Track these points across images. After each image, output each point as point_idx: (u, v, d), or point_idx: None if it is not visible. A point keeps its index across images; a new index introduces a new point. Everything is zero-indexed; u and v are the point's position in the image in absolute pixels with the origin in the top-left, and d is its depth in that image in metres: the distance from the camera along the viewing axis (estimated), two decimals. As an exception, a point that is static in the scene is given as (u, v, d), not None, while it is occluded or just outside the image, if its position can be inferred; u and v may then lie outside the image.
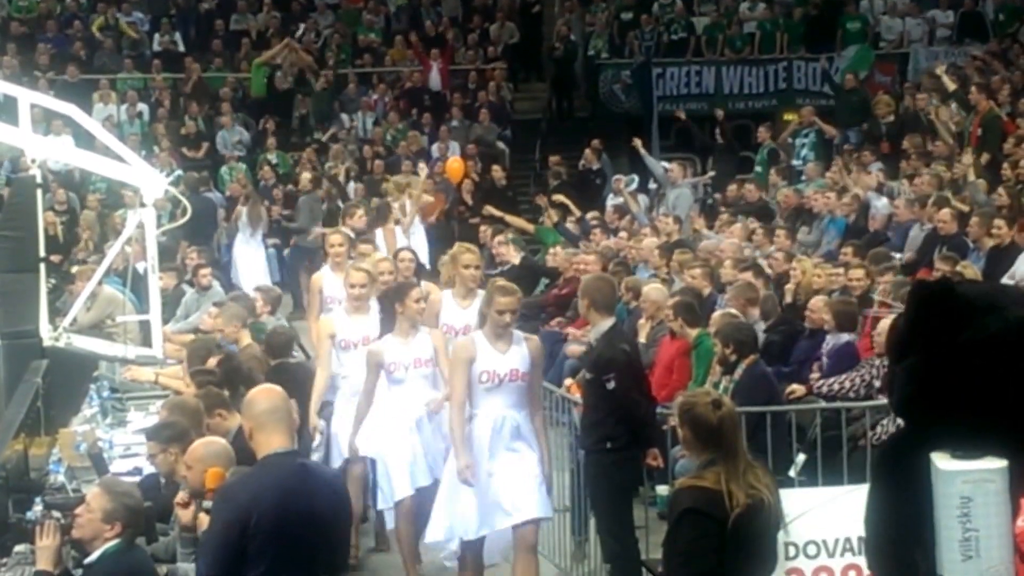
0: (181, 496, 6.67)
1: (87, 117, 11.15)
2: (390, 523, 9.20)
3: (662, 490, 9.84)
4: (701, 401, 5.65)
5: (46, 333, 10.04)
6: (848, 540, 8.00)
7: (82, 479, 8.16)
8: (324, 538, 5.61)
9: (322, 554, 5.61)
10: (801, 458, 9.23)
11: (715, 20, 24.76)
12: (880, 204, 15.75)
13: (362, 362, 9.11)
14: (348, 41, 25.94)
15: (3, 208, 11.82)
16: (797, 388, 10.37)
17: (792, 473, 9.12)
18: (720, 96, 23.91)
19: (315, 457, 9.02)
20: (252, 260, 19.38)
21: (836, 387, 10.16)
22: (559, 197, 19.16)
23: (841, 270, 12.38)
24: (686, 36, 24.65)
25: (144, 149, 19.49)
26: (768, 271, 12.92)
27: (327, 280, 11.12)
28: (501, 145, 23.77)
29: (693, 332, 10.89)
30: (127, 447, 9.22)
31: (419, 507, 8.83)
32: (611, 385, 8.17)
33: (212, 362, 9.31)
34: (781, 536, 6.34)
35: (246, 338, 10.51)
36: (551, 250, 16.62)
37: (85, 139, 13.71)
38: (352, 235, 13.15)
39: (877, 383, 9.86)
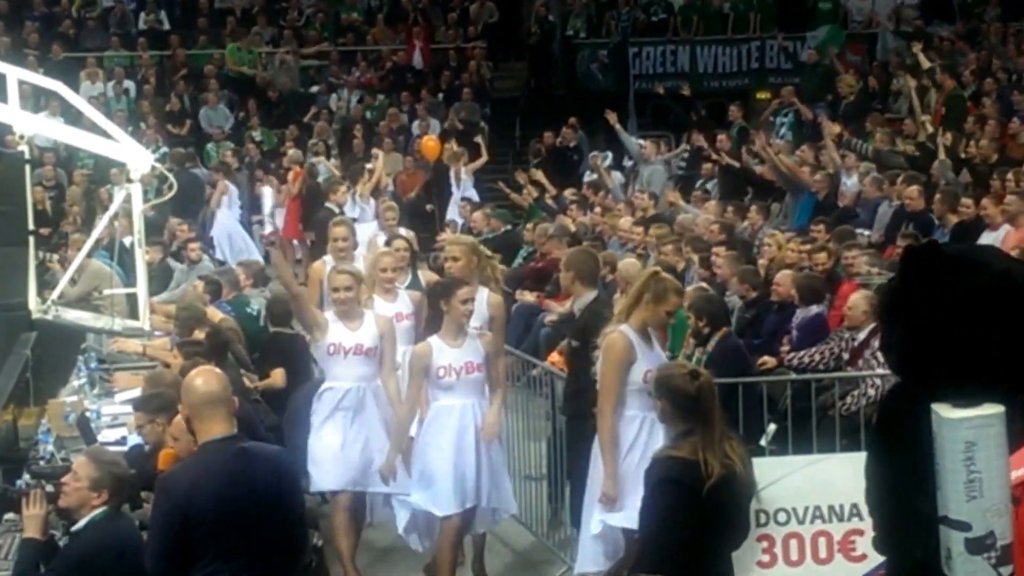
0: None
1: (74, 94, 11.27)
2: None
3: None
4: (678, 373, 5.74)
5: (35, 306, 10.10)
6: (818, 508, 8.12)
7: (70, 449, 8.17)
8: (272, 520, 5.56)
9: (274, 536, 5.58)
10: (772, 428, 9.26)
11: (690, 1, 25.02)
12: (850, 182, 15.99)
13: (351, 371, 8.41)
14: (331, 20, 26.11)
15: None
16: (768, 360, 10.47)
17: (763, 443, 9.11)
18: (695, 75, 24.17)
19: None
20: (235, 235, 19.59)
21: (806, 360, 10.31)
22: (535, 174, 19.35)
23: (811, 246, 12.57)
24: (666, 17, 24.93)
25: (131, 125, 19.65)
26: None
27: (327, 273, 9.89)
28: (481, 123, 24.05)
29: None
30: (114, 417, 9.28)
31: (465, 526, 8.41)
32: (597, 353, 8.02)
33: (199, 334, 9.43)
34: (753, 504, 6.45)
35: (216, 314, 10.53)
36: (527, 225, 16.82)
37: (72, 116, 13.87)
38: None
39: (846, 355, 10.01)
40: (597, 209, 16.97)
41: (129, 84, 23.68)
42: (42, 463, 7.82)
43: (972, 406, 3.55)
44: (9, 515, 6.92)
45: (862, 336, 10.01)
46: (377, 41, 25.45)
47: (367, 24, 26.05)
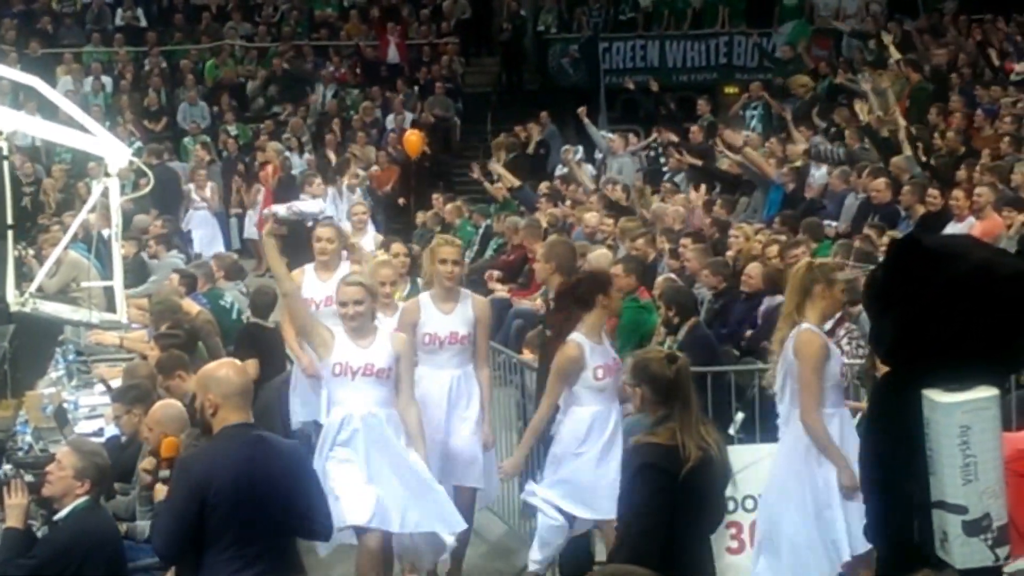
0: (149, 462, 6.83)
1: (51, 89, 11.28)
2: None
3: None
4: (655, 358, 5.79)
5: (12, 298, 10.01)
6: None
7: (48, 440, 8.31)
8: (286, 510, 5.62)
9: (287, 525, 5.67)
10: (740, 416, 9.22)
11: (659, -2, 25.28)
12: (817, 174, 16.15)
13: (359, 394, 7.46)
14: (305, 16, 26.19)
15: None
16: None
17: (731, 431, 8.99)
18: (664, 70, 24.37)
19: None
20: (208, 229, 19.68)
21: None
22: (494, 167, 19.33)
23: (783, 238, 12.70)
24: (635, 16, 25.10)
25: (108, 120, 19.74)
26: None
27: (309, 281, 9.14)
28: (454, 118, 24.21)
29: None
30: (92, 408, 9.40)
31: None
32: None
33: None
34: (728, 489, 6.43)
35: (192, 307, 10.59)
36: (497, 217, 16.92)
37: (50, 112, 13.92)
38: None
39: None
40: (568, 202, 17.09)
41: (106, 80, 23.75)
42: (20, 454, 7.86)
43: (964, 390, 3.66)
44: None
45: (829, 326, 10.10)
46: (351, 36, 25.52)
47: (341, 20, 26.13)
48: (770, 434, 8.80)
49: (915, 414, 3.73)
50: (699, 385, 8.70)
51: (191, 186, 19.96)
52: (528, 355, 10.29)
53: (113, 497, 7.30)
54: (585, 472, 7.67)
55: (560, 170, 19.96)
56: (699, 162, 17.80)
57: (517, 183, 17.77)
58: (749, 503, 8.16)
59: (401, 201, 21.39)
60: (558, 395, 7.72)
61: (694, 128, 19.44)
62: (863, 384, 8.01)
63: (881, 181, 14.08)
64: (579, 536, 8.06)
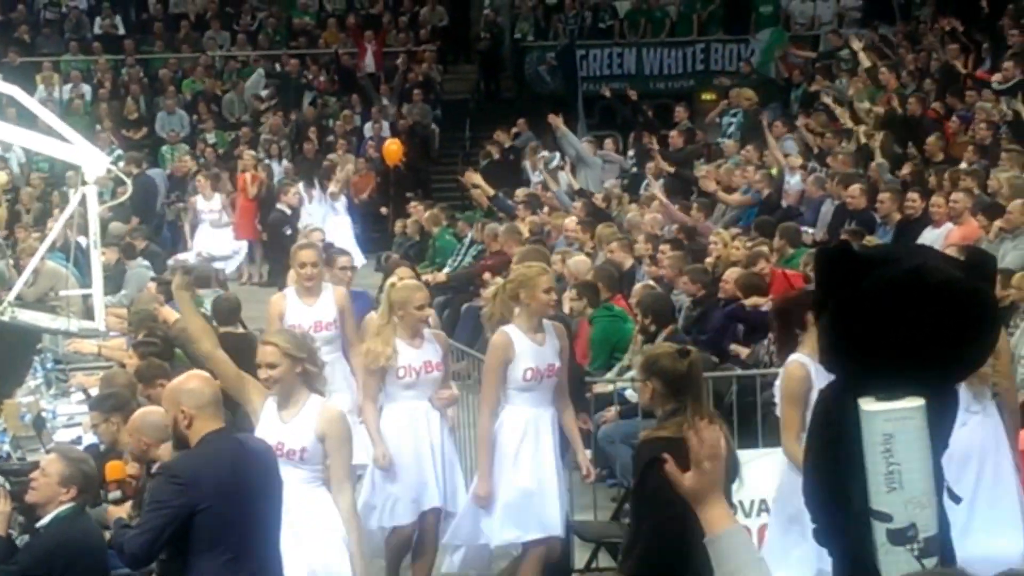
0: (133, 468, 6.87)
1: (29, 98, 11.26)
2: None
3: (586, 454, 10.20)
4: (665, 352, 5.78)
5: None
6: (763, 501, 8.18)
7: (27, 448, 8.31)
8: (266, 511, 5.73)
9: (269, 527, 5.76)
10: None
11: (635, 6, 25.31)
12: (794, 180, 16.22)
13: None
14: (283, 24, 26.22)
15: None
16: (740, 349, 10.73)
17: None
18: (641, 77, 24.51)
19: None
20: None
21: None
22: (472, 176, 19.34)
23: (764, 248, 12.75)
24: (612, 24, 25.21)
25: (87, 129, 19.68)
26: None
27: (293, 307, 9.14)
28: (432, 125, 24.26)
29: (590, 311, 11.14)
30: (70, 417, 9.41)
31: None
32: None
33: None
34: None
35: (170, 314, 10.35)
36: (475, 224, 16.95)
37: (29, 120, 13.90)
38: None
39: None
40: (546, 208, 17.11)
41: (85, 88, 23.73)
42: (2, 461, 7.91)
43: (893, 399, 3.66)
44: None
45: (805, 332, 10.15)
46: (329, 45, 25.57)
47: (319, 28, 26.17)
48: (749, 440, 8.90)
49: (853, 421, 3.73)
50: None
51: (197, 197, 19.61)
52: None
53: (99, 504, 7.25)
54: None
55: (536, 177, 20.00)
56: (671, 168, 17.85)
57: (491, 192, 17.80)
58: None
59: (383, 210, 21.38)
60: None
61: (673, 134, 19.50)
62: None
63: (856, 187, 14.15)
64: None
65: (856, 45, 19.37)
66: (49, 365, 10.21)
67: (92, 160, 10.12)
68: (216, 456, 5.62)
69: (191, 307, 7.39)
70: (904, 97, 16.99)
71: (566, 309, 11.45)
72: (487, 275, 14.40)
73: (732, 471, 5.66)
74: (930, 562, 3.64)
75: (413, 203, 19.67)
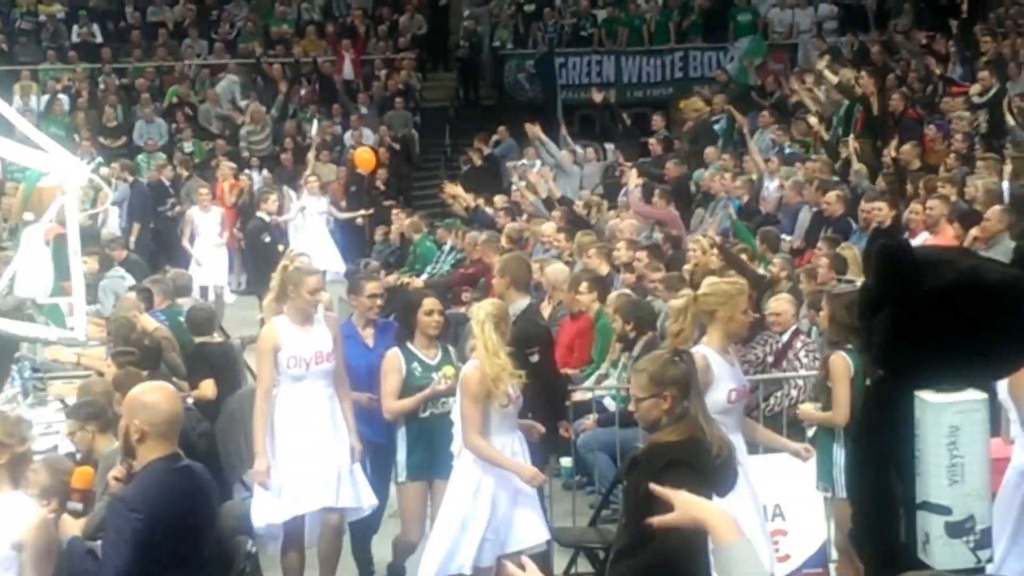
0: (119, 471, 6.97)
1: (7, 106, 11.24)
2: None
3: (565, 462, 10.15)
4: (665, 361, 5.67)
5: None
6: (778, 506, 8.33)
7: (5, 456, 8.39)
8: (210, 535, 5.73)
9: (212, 551, 5.74)
10: None
11: (612, 14, 25.37)
12: (772, 186, 16.30)
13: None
14: (261, 32, 26.22)
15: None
16: None
17: None
18: (620, 85, 24.59)
19: None
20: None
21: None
22: (453, 187, 19.36)
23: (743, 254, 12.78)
24: (591, 32, 25.29)
25: (64, 137, 19.68)
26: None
27: (289, 335, 8.17)
28: (413, 132, 24.29)
29: (597, 305, 11.26)
30: (48, 425, 9.28)
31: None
32: (535, 358, 8.21)
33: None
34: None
35: (149, 323, 10.52)
36: (455, 232, 16.96)
37: (6, 129, 13.87)
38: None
39: (770, 358, 10.10)
40: (525, 215, 17.14)
41: (63, 97, 23.69)
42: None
43: (955, 392, 3.70)
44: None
45: (785, 338, 10.20)
46: (307, 53, 25.58)
47: (297, 36, 26.17)
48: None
49: (904, 417, 3.76)
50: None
51: (195, 209, 19.27)
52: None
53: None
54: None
55: (517, 184, 20.04)
56: (640, 181, 17.92)
57: (472, 204, 17.85)
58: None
59: (359, 221, 21.35)
60: None
61: (652, 141, 19.57)
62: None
63: (832, 194, 14.22)
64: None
65: (820, 64, 19.48)
66: (27, 374, 10.16)
67: (71, 170, 10.12)
68: (170, 487, 5.51)
69: None
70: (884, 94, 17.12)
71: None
72: (464, 294, 14.47)
73: (733, 475, 5.70)
74: (984, 553, 3.69)
75: (395, 210, 19.68)
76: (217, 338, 10.66)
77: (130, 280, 13.94)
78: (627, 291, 11.43)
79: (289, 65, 24.79)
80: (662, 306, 11.56)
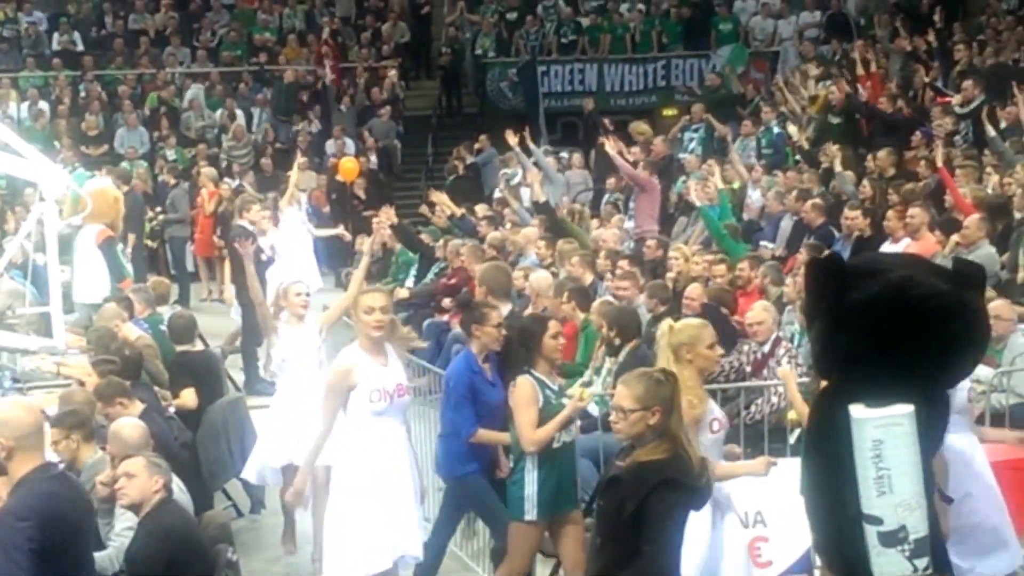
0: (106, 476, 6.90)
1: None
2: None
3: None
4: (654, 379, 5.69)
5: None
6: (759, 513, 8.09)
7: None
8: (90, 541, 5.95)
9: (89, 557, 5.93)
10: None
11: (595, 22, 25.43)
12: (755, 195, 16.34)
13: None
14: (243, 40, 26.21)
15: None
16: None
17: None
18: (602, 93, 24.67)
19: None
20: None
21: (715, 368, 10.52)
22: (437, 196, 19.32)
23: (711, 256, 12.83)
24: (576, 39, 25.35)
25: (45, 145, 19.61)
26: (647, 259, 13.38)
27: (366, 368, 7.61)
28: (395, 143, 24.28)
29: (582, 315, 11.31)
30: (30, 436, 9.40)
31: None
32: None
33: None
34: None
35: (130, 332, 10.48)
36: (439, 241, 16.93)
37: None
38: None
39: (748, 368, 10.01)
40: (508, 224, 17.13)
41: (44, 105, 23.63)
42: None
43: (883, 406, 3.74)
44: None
45: (767, 347, 10.19)
46: (290, 61, 25.56)
47: (280, 44, 26.17)
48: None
49: (844, 428, 3.81)
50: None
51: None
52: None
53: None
54: None
55: (499, 192, 20.06)
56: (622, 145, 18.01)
57: (458, 212, 17.83)
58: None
59: (342, 231, 21.29)
60: None
61: (635, 150, 19.56)
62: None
63: (811, 203, 14.25)
64: None
65: (811, 72, 19.53)
66: (7, 384, 10.12)
67: (50, 178, 10.10)
68: (52, 496, 5.56)
69: None
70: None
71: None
72: (446, 301, 14.46)
73: (710, 492, 5.79)
74: (921, 562, 3.73)
75: (375, 218, 19.59)
76: (198, 346, 10.59)
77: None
78: (610, 298, 11.41)
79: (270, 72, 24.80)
80: (645, 315, 11.62)
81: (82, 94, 24.47)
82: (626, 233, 15.43)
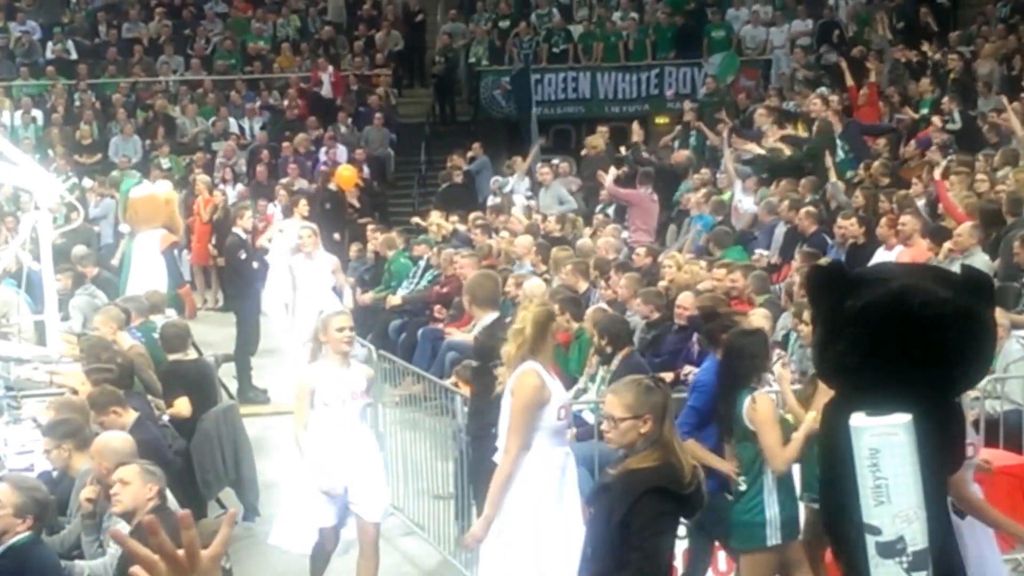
0: (92, 491, 6.91)
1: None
2: None
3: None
4: (648, 386, 5.68)
5: None
6: None
7: (-22, 475, 8.35)
8: None
9: None
10: None
11: (588, 30, 25.48)
12: (747, 202, 16.33)
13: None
14: (237, 48, 26.21)
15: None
16: (665, 375, 10.80)
17: None
18: (596, 101, 24.71)
19: None
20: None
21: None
22: (432, 215, 19.31)
23: (705, 265, 12.86)
24: (566, 48, 25.39)
25: (38, 153, 19.63)
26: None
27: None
28: (388, 151, 24.29)
29: (575, 325, 11.35)
30: (23, 444, 9.22)
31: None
32: (499, 371, 7.83)
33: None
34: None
35: (124, 340, 10.47)
36: (431, 249, 16.96)
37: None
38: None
39: None
40: (503, 232, 17.14)
41: (37, 113, 23.63)
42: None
43: (881, 414, 3.70)
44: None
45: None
46: (283, 69, 25.57)
47: (273, 52, 26.18)
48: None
49: (845, 436, 3.77)
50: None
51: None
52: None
53: (56, 531, 7.30)
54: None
55: (491, 200, 20.07)
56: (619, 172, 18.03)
57: (450, 229, 17.87)
58: (680, 530, 7.95)
59: (336, 237, 21.31)
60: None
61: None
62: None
63: (803, 212, 14.28)
64: None
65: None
66: (0, 392, 10.11)
67: (45, 187, 10.10)
68: None
69: None
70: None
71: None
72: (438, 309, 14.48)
73: (702, 499, 5.71)
74: (919, 575, 3.70)
75: (371, 228, 19.62)
76: (191, 355, 10.58)
77: (101, 297, 13.88)
78: (604, 306, 11.42)
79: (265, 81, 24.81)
80: (639, 322, 11.65)
81: (76, 103, 24.46)
82: (622, 243, 15.45)
